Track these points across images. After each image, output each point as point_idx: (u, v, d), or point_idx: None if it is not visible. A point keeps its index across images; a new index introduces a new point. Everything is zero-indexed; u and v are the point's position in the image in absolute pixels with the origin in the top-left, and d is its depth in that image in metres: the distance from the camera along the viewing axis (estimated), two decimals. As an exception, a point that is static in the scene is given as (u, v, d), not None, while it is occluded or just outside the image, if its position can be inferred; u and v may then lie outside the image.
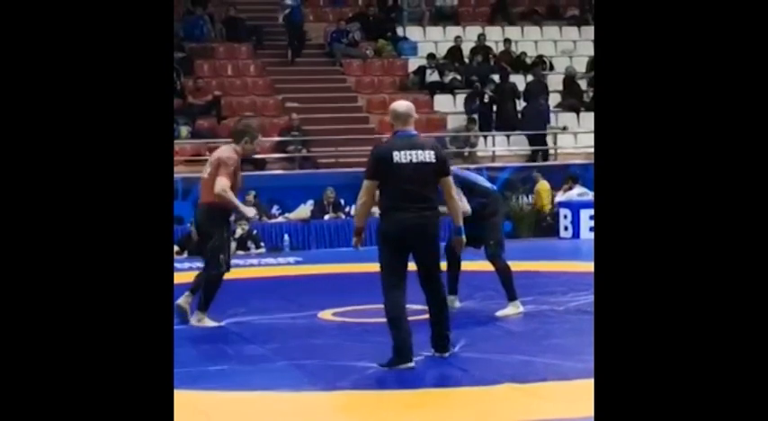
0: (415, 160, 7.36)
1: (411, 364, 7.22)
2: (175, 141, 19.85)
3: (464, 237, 7.90)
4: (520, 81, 22.31)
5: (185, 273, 12.99)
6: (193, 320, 9.18)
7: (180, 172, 18.76)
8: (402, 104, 7.72)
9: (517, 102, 21.59)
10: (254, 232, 16.22)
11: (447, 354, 7.57)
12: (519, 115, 21.41)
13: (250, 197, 17.27)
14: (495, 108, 21.55)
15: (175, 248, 15.49)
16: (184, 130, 20.04)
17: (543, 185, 18.88)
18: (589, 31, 23.47)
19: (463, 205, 9.13)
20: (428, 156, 7.39)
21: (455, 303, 9.87)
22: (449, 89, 22.30)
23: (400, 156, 7.34)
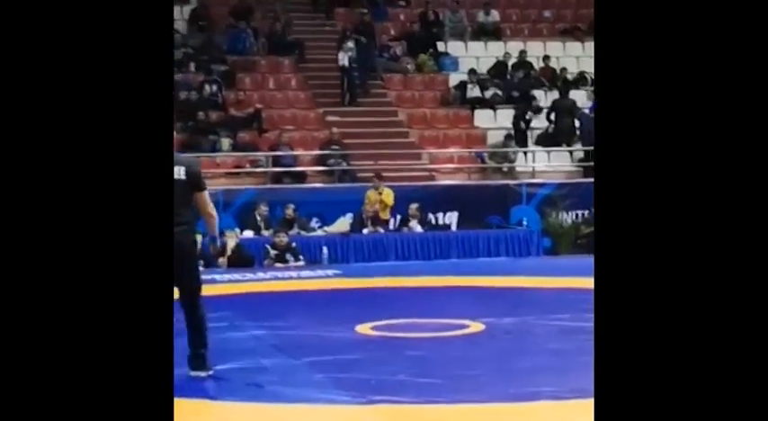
0: None
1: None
2: (217, 153, 19.99)
3: (218, 244, 7.99)
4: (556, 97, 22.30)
5: (226, 284, 13.08)
6: None
7: (221, 184, 18.89)
8: None
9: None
10: (294, 245, 16.26)
11: (203, 374, 7.55)
12: (578, 131, 21.36)
13: (289, 210, 17.32)
14: (531, 123, 21.53)
15: (220, 260, 15.56)
16: (226, 143, 20.15)
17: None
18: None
19: None
20: (177, 172, 7.25)
21: None
22: (489, 104, 22.31)
23: None
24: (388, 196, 17.83)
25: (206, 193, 7.56)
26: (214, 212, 7.63)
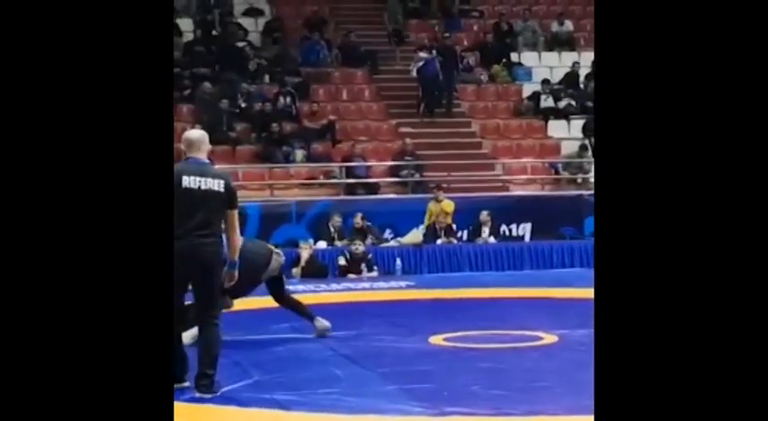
0: (203, 187, 7.24)
1: (185, 384, 7.36)
2: (290, 165, 20.12)
3: (236, 272, 7.55)
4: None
5: (300, 295, 13.14)
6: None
7: (295, 195, 19.01)
8: (195, 133, 7.75)
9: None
10: (369, 256, 16.31)
11: (208, 396, 7.24)
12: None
13: (357, 219, 17.35)
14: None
15: (294, 271, 15.65)
16: (299, 154, 20.27)
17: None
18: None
19: None
20: (217, 184, 7.28)
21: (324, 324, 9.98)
22: (563, 115, 22.20)
23: (189, 181, 7.20)
24: (448, 205, 17.85)
25: (236, 213, 7.49)
26: (238, 233, 7.53)
